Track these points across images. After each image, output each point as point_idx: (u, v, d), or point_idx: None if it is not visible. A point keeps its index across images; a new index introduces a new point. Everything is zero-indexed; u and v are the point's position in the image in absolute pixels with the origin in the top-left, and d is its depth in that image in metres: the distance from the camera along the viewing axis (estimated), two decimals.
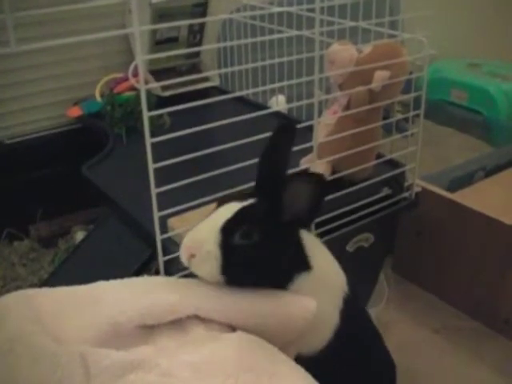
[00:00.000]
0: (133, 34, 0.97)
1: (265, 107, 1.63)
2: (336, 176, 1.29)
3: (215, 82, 1.77)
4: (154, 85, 1.52)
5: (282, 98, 1.72)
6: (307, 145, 1.21)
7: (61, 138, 1.71)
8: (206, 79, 1.75)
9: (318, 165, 1.25)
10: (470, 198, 1.81)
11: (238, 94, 1.31)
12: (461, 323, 1.80)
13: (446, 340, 1.73)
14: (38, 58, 1.64)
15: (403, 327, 1.76)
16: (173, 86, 1.65)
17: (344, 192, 1.26)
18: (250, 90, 1.34)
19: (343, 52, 1.30)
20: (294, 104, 1.34)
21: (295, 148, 1.13)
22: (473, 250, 1.79)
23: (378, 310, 1.59)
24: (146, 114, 0.98)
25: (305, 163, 1.29)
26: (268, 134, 1.03)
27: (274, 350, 0.89)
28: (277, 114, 1.61)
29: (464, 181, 1.98)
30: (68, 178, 1.49)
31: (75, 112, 1.68)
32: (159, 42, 1.71)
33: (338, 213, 1.26)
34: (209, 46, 1.77)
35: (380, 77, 1.25)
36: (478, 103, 2.42)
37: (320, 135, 1.27)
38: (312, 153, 1.23)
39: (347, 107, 1.31)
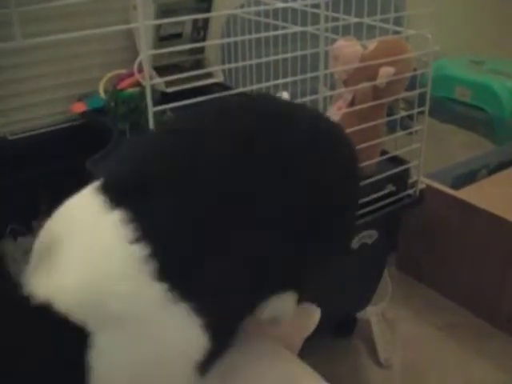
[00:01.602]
0: (137, 29, 0.97)
1: None
2: None
3: (219, 79, 1.77)
4: (159, 80, 1.51)
5: (285, 95, 1.72)
6: None
7: (64, 133, 1.70)
8: (209, 75, 1.75)
9: None
10: (474, 195, 1.81)
11: (241, 89, 1.31)
12: (464, 321, 1.80)
13: (450, 337, 1.73)
14: (41, 54, 1.63)
15: (407, 324, 1.76)
16: (176, 83, 1.65)
17: None
18: (254, 86, 1.34)
19: (348, 48, 1.30)
20: (299, 100, 1.33)
21: None
22: (476, 248, 1.79)
23: (382, 307, 1.59)
24: (152, 109, 0.98)
25: None
26: None
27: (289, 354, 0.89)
28: None
29: (467, 178, 1.98)
30: (71, 174, 1.49)
31: (79, 108, 1.68)
32: (163, 38, 1.71)
33: None
34: (213, 42, 1.77)
35: (385, 73, 1.25)
36: (481, 100, 2.41)
37: None
38: None
39: (352, 103, 1.31)
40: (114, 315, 0.67)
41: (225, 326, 0.78)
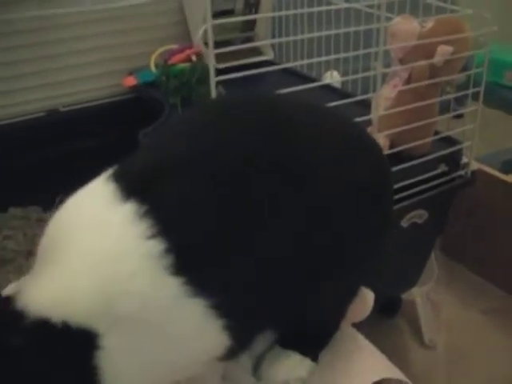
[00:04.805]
0: (189, 5, 0.97)
1: (318, 81, 1.62)
2: (394, 150, 1.28)
3: (269, 56, 1.77)
4: (217, 51, 1.52)
5: (335, 75, 1.71)
6: (365, 118, 1.21)
7: (116, 106, 1.72)
8: (259, 53, 1.75)
9: (378, 138, 1.25)
10: None
11: (291, 64, 1.31)
12: (507, 306, 1.79)
13: (492, 322, 1.72)
14: (95, 28, 1.65)
15: (451, 307, 1.76)
16: (227, 59, 1.65)
17: (402, 166, 1.25)
18: (305, 61, 1.34)
19: (405, 25, 1.29)
20: (350, 77, 1.33)
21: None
22: None
23: (427, 289, 1.59)
24: (213, 79, 0.99)
25: None
26: None
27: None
28: (330, 87, 1.61)
29: None
30: (123, 147, 1.50)
31: (130, 81, 1.69)
32: (215, 14, 1.71)
33: (395, 187, 1.25)
34: (265, 14, 1.74)
35: (443, 51, 1.24)
36: None
37: (379, 109, 1.26)
38: (371, 126, 1.23)
39: (407, 82, 1.30)
40: (126, 315, 0.63)
41: (246, 330, 0.73)
